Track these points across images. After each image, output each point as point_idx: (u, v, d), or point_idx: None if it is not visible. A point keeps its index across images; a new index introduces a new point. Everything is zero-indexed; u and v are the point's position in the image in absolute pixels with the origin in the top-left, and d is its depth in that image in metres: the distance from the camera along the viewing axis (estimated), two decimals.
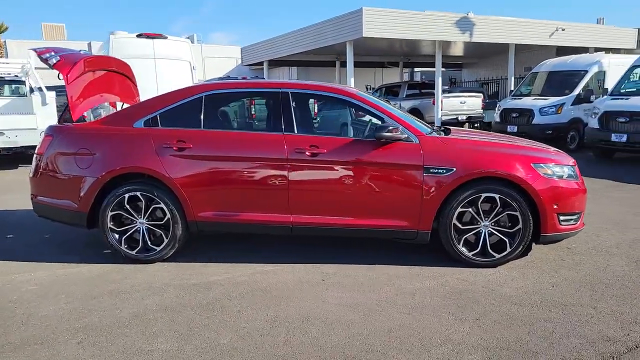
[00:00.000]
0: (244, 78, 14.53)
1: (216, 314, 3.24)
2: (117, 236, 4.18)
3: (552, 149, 4.41)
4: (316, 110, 4.74)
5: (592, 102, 12.61)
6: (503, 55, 20.21)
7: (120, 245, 4.18)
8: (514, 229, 3.93)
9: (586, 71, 13.00)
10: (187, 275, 3.94)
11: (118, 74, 5.24)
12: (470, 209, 3.95)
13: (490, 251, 3.97)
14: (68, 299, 3.52)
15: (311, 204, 4.04)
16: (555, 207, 3.90)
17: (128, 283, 3.79)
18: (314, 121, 4.40)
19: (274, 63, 20.72)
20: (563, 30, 16.64)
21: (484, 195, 3.90)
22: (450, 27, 14.00)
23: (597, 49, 18.85)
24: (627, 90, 10.79)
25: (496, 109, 13.76)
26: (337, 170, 3.98)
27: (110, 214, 4.13)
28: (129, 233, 4.19)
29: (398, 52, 19.72)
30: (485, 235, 3.97)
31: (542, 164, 3.95)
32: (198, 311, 3.29)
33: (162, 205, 4.09)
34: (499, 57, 21.35)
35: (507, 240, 3.95)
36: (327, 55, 20.04)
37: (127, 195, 4.10)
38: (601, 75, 13.24)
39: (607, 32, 18.42)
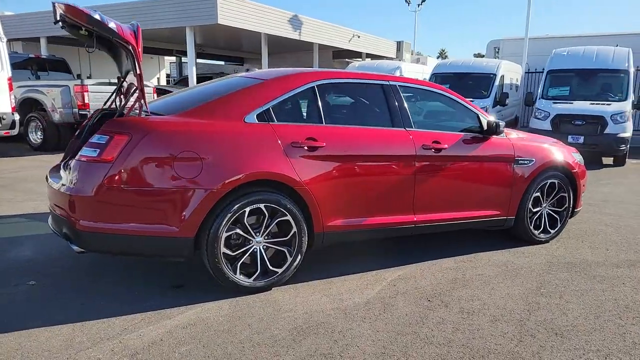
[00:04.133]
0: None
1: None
2: (229, 263, 3.24)
3: None
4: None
5: None
6: (286, 53, 21.60)
7: (235, 274, 3.25)
8: (563, 208, 4.75)
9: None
10: (358, 296, 3.37)
11: None
12: (537, 194, 4.57)
13: (548, 228, 4.70)
14: (299, 351, 2.64)
15: (432, 201, 3.97)
16: (583, 186, 4.88)
17: (324, 321, 3.04)
18: (418, 116, 4.23)
19: (59, 41, 17.04)
20: (359, 37, 18.98)
21: (549, 181, 4.58)
22: (285, 23, 14.35)
23: (368, 55, 22.21)
24: None
25: None
26: (455, 165, 4.03)
27: (224, 235, 3.17)
28: (244, 257, 3.29)
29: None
30: (545, 215, 4.67)
31: (574, 153, 4.87)
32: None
33: (288, 217, 3.35)
34: (282, 54, 22.69)
35: (557, 217, 4.75)
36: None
37: (248, 209, 3.22)
38: None
39: (379, 42, 21.83)
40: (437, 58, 48.96)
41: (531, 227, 4.57)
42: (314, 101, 3.59)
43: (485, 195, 4.25)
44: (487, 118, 4.27)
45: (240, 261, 3.27)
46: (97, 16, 2.96)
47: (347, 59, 22.92)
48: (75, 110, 10.13)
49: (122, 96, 4.19)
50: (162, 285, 3.46)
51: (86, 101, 10.04)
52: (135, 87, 4.08)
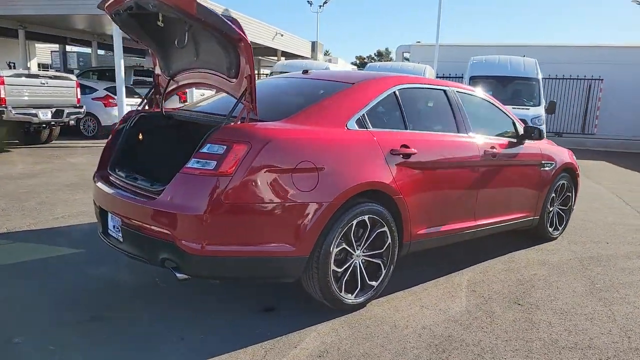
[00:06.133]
0: None
1: None
2: (336, 281, 3.01)
3: None
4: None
5: None
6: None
7: (341, 292, 3.04)
8: (567, 206, 5.17)
9: None
10: (453, 304, 3.32)
11: None
12: (553, 195, 4.92)
13: (558, 226, 5.10)
14: None
15: (489, 205, 4.06)
16: (580, 183, 5.37)
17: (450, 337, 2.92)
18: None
19: None
20: (282, 36, 18.72)
21: (560, 182, 4.96)
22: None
23: (283, 53, 22.08)
24: None
25: None
26: (505, 169, 4.17)
27: (335, 250, 2.94)
28: (347, 273, 3.08)
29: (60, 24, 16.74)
30: (555, 214, 5.05)
31: (573, 155, 5.33)
32: None
33: (385, 228, 3.20)
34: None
35: (564, 215, 5.16)
36: (5, 20, 15.58)
37: (354, 222, 3.01)
38: None
39: (297, 41, 21.79)
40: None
41: (547, 225, 4.92)
42: (397, 106, 3.48)
43: (523, 197, 4.47)
44: (522, 125, 4.50)
45: (345, 277, 3.06)
46: (206, 11, 2.54)
47: (259, 57, 22.55)
48: None
49: (159, 96, 3.67)
50: (251, 310, 3.10)
51: (2, 95, 8.59)
52: (172, 88, 3.62)
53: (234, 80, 2.84)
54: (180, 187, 2.59)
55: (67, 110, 10.14)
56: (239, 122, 2.73)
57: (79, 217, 5.06)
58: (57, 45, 26.58)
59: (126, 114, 3.65)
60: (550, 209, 4.92)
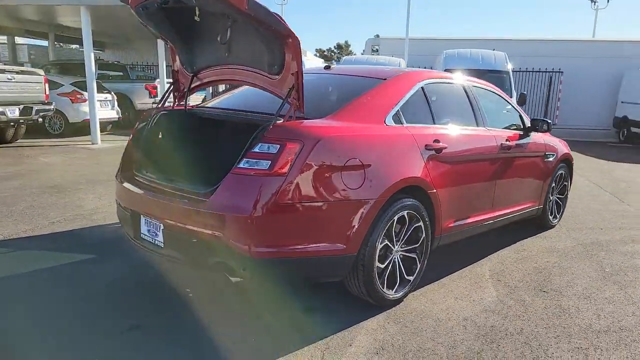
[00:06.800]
0: None
1: None
2: (378, 277, 3.02)
3: None
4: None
5: None
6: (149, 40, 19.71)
7: (384, 288, 3.05)
8: (564, 194, 5.38)
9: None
10: (485, 295, 3.39)
11: None
12: (553, 184, 5.10)
13: (556, 214, 5.29)
14: None
15: (504, 196, 4.17)
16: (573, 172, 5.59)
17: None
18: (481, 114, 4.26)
19: None
20: None
21: (560, 172, 5.15)
22: None
23: None
24: None
25: None
26: (518, 161, 4.30)
27: (379, 247, 2.95)
28: (388, 269, 3.10)
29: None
30: (553, 202, 5.24)
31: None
32: None
33: (420, 223, 3.24)
34: (146, 41, 20.63)
35: (561, 203, 5.37)
36: None
37: (395, 218, 3.03)
38: None
39: None
40: None
41: (548, 214, 5.10)
42: (425, 101, 3.51)
43: (531, 187, 4.62)
44: (528, 117, 4.64)
45: (387, 273, 3.07)
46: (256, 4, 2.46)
47: None
48: None
49: (179, 93, 3.55)
50: (294, 310, 3.06)
51: None
52: (196, 85, 3.51)
53: (276, 77, 2.78)
54: (233, 188, 2.51)
55: (35, 107, 9.62)
56: (286, 121, 2.68)
57: (75, 221, 4.83)
58: (5, 37, 25.19)
59: (145, 112, 3.51)
60: (551, 198, 5.11)
